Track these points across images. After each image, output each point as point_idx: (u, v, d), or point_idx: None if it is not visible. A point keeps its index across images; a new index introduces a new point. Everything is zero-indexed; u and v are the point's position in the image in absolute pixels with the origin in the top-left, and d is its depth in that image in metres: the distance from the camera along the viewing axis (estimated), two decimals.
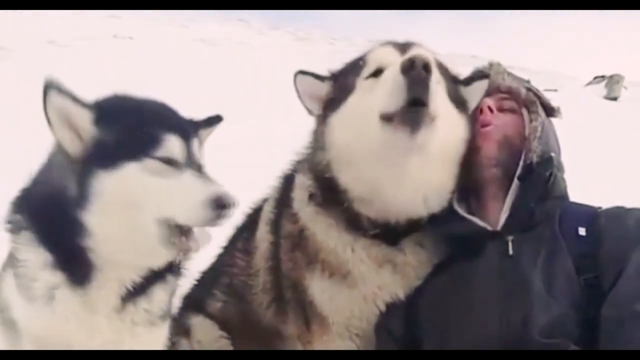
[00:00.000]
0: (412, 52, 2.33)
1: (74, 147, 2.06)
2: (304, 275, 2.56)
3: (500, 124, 2.45)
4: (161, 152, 2.04)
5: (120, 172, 2.01)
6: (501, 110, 2.49)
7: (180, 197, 2.02)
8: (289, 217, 2.65)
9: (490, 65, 2.60)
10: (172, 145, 2.06)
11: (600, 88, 26.07)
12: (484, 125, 2.45)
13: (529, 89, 2.54)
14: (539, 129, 2.41)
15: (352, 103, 2.42)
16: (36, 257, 2.12)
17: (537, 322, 2.11)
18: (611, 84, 26.03)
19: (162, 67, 19.86)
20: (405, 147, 2.28)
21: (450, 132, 2.38)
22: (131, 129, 2.05)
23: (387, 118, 2.26)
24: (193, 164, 2.09)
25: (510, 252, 2.28)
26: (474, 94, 2.53)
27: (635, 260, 2.12)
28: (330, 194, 2.47)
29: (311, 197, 2.56)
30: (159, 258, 2.15)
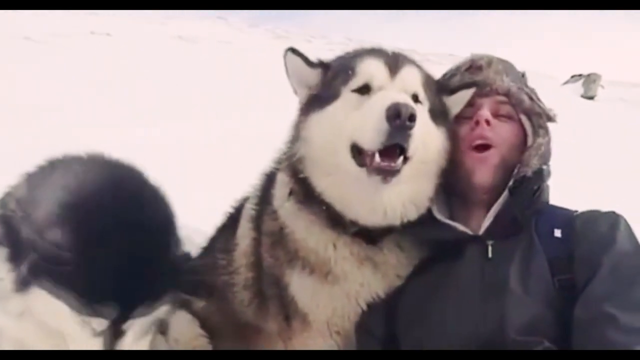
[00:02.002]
0: (399, 95, 2.30)
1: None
2: (284, 272, 2.56)
3: (498, 142, 2.39)
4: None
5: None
6: (497, 115, 2.43)
7: None
8: (269, 214, 2.65)
9: (489, 62, 2.53)
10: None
11: (578, 87, 26.32)
12: (481, 138, 2.39)
13: (531, 98, 2.48)
14: (543, 147, 2.40)
15: (333, 112, 2.40)
16: (9, 277, 2.11)
17: (514, 322, 2.14)
18: (588, 83, 26.30)
19: (141, 64, 19.70)
20: (376, 188, 2.31)
21: (428, 153, 2.37)
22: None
23: (359, 152, 2.29)
24: None
25: (490, 255, 2.30)
26: (458, 102, 2.50)
27: (607, 263, 2.15)
28: (308, 193, 2.46)
29: (291, 194, 2.55)
30: None
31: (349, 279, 2.47)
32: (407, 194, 2.38)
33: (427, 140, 2.36)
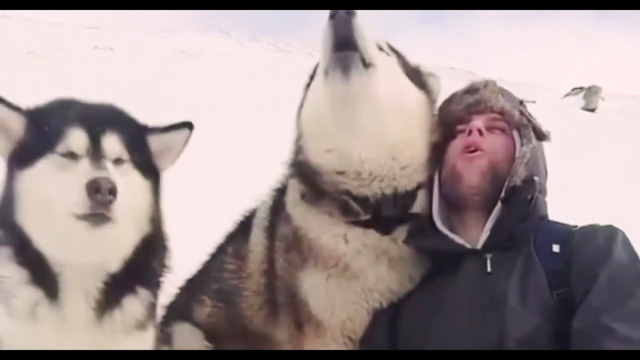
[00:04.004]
0: None
1: (4, 150, 2.11)
2: (297, 275, 2.59)
3: (488, 149, 2.44)
4: (62, 147, 2.04)
5: (33, 170, 2.04)
6: (491, 129, 2.48)
7: (69, 186, 2.00)
8: (283, 220, 2.71)
9: (486, 84, 2.60)
10: (73, 138, 2.06)
11: (578, 99, 26.25)
12: (472, 145, 2.44)
13: (521, 113, 2.53)
14: (528, 155, 2.43)
15: (313, 85, 2.59)
16: (13, 274, 2.12)
17: (513, 336, 2.18)
18: (589, 95, 26.23)
19: (144, 77, 19.74)
20: (343, 94, 2.40)
21: (396, 85, 2.50)
22: (41, 126, 2.07)
23: (325, 73, 2.42)
24: (95, 155, 2.06)
25: (489, 269, 2.32)
26: (434, 86, 2.66)
27: (604, 275, 2.18)
28: (313, 183, 2.55)
29: (303, 197, 2.62)
30: (104, 255, 2.13)
31: (366, 273, 2.52)
32: (389, 130, 2.50)
33: (394, 75, 2.56)
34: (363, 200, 2.49)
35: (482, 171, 2.41)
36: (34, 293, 2.12)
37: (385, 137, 2.47)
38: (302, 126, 2.61)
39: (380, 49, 2.51)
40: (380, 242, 2.51)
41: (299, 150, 2.63)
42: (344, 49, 2.36)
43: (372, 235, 2.51)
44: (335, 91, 2.41)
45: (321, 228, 2.56)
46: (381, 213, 2.49)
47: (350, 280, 2.52)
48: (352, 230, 2.51)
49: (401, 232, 2.52)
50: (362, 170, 2.47)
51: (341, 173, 2.50)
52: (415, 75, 2.62)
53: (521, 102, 2.66)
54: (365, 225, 2.51)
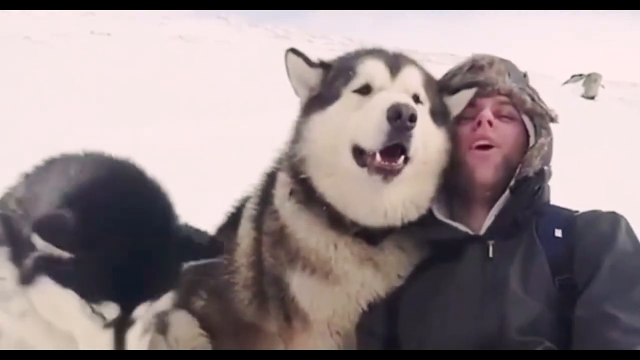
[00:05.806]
0: (399, 95, 2.31)
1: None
2: (285, 272, 2.55)
3: (500, 142, 2.38)
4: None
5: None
6: (499, 116, 2.42)
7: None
8: (270, 214, 2.64)
9: (491, 61, 2.51)
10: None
11: (578, 87, 26.28)
12: (483, 139, 2.38)
13: (532, 99, 2.46)
14: (545, 148, 2.39)
15: (335, 112, 2.41)
16: (11, 276, 2.08)
17: (515, 322, 2.14)
18: (589, 83, 26.26)
19: (141, 63, 19.71)
20: (376, 188, 2.32)
21: (428, 154, 2.38)
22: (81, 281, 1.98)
23: (360, 153, 2.30)
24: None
25: (491, 255, 2.30)
26: (459, 102, 2.48)
27: (607, 263, 2.15)
28: (309, 193, 2.46)
29: (292, 194, 2.54)
30: None
31: (350, 279, 2.47)
32: (408, 194, 2.38)
33: (428, 141, 2.36)
34: (355, 222, 2.43)
35: (496, 167, 2.36)
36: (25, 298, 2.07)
37: (404, 199, 2.39)
38: (307, 143, 2.44)
39: (417, 99, 2.39)
40: (367, 251, 2.47)
41: (300, 166, 2.47)
42: (392, 153, 2.25)
43: (359, 245, 2.47)
44: (369, 188, 2.33)
45: (309, 230, 2.50)
46: (370, 229, 2.44)
47: (337, 284, 2.48)
48: (342, 238, 2.47)
49: (388, 242, 2.48)
50: (367, 217, 2.41)
51: (344, 208, 2.42)
52: (441, 110, 2.48)
53: (525, 75, 2.59)
54: (353, 234, 2.47)
